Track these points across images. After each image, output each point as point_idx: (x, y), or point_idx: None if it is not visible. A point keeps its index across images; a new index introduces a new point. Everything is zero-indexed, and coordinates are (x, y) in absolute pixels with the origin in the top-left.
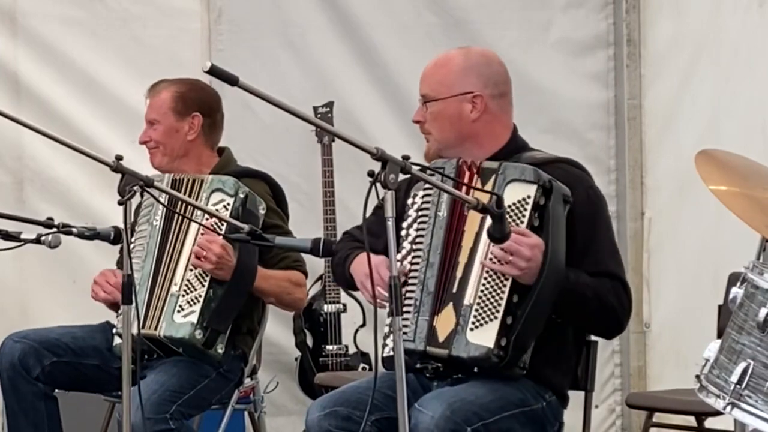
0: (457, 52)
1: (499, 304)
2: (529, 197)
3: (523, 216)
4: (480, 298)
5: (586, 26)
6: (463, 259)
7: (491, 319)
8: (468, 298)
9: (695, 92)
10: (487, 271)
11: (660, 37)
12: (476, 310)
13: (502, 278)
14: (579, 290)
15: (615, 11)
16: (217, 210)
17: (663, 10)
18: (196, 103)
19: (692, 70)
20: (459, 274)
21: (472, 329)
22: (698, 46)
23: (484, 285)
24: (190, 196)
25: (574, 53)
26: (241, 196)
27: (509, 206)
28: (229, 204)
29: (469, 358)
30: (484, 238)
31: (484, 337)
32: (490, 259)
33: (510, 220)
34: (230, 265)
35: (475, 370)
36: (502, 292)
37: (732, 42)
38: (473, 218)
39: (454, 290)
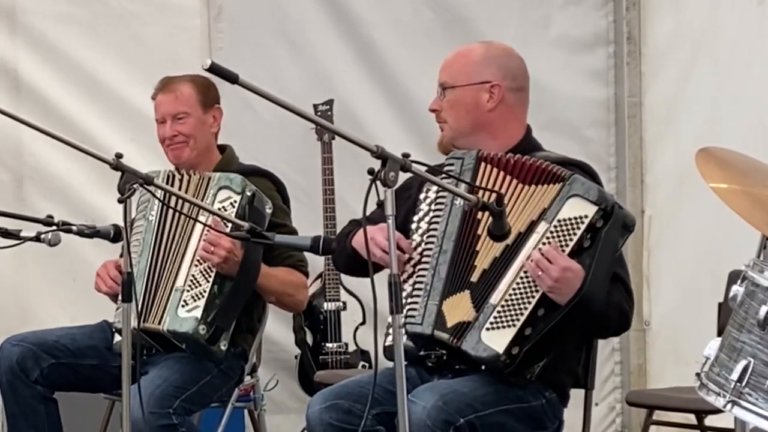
0: (479, 44)
1: (522, 313)
2: (585, 217)
3: (574, 234)
4: (506, 301)
5: (586, 24)
6: (484, 251)
7: (510, 325)
8: (495, 297)
9: (695, 90)
10: (521, 277)
11: (660, 35)
12: (498, 312)
13: (533, 288)
14: (607, 311)
15: (615, 8)
16: (223, 207)
17: (663, 8)
18: (216, 96)
19: (692, 67)
20: (484, 266)
21: (488, 329)
22: (698, 44)
23: (514, 290)
24: (196, 193)
25: (573, 51)
26: (248, 194)
27: (564, 220)
28: (235, 202)
29: (475, 356)
30: (530, 242)
31: (497, 340)
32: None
33: (560, 234)
34: (237, 261)
35: (483, 368)
36: (529, 302)
37: (731, 39)
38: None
39: (474, 279)
